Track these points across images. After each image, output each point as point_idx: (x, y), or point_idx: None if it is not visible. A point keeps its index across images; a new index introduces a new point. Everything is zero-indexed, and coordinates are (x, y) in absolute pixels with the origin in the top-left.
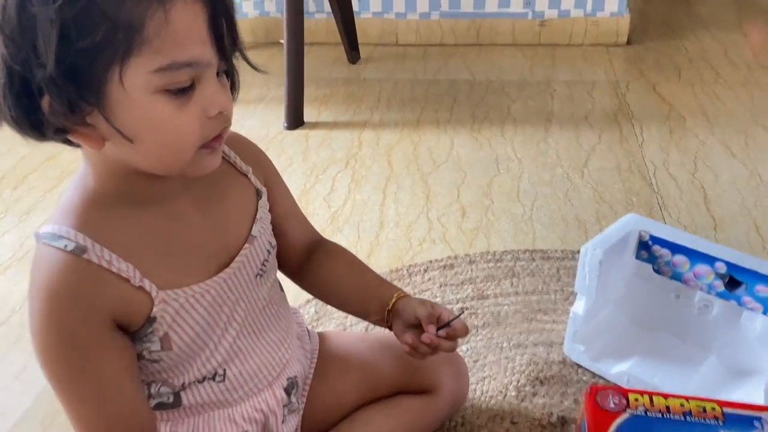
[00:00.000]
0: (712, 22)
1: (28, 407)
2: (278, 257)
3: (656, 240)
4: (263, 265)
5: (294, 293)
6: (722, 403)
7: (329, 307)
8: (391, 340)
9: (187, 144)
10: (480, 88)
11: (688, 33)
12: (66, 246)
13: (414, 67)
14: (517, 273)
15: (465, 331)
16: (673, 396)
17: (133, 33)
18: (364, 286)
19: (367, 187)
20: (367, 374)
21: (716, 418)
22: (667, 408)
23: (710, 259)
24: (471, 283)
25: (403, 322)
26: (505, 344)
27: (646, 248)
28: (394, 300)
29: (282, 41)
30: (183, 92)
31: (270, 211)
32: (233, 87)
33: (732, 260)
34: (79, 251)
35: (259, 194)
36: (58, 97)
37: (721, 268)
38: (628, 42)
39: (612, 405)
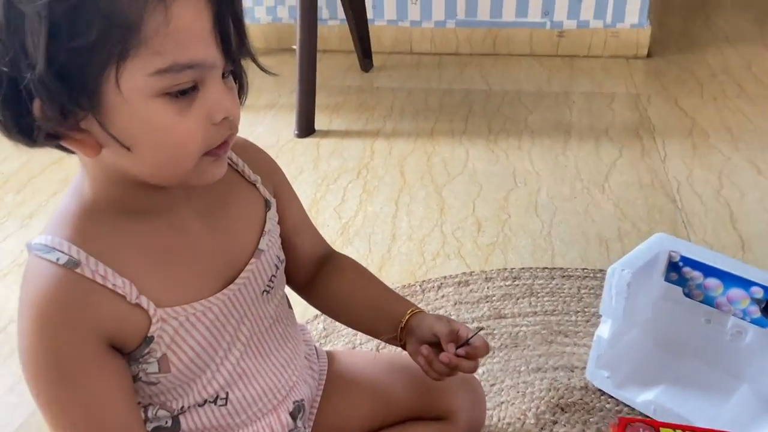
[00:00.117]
0: (734, 35)
1: (22, 422)
2: (286, 272)
3: (687, 261)
4: (270, 281)
5: (301, 308)
6: None
7: (338, 323)
8: (405, 362)
9: (188, 152)
10: (496, 98)
11: (709, 46)
12: (58, 259)
13: (428, 76)
14: (536, 292)
15: (486, 350)
16: (707, 431)
17: (130, 32)
18: (376, 302)
19: (379, 198)
20: (379, 398)
21: None
22: None
23: (746, 283)
24: (487, 302)
25: (418, 339)
26: (523, 368)
27: (676, 270)
28: (407, 316)
29: (294, 47)
30: (185, 95)
31: (279, 223)
32: (241, 90)
33: None
34: (71, 265)
35: (267, 205)
36: (48, 101)
37: (758, 292)
38: (649, 55)
39: None
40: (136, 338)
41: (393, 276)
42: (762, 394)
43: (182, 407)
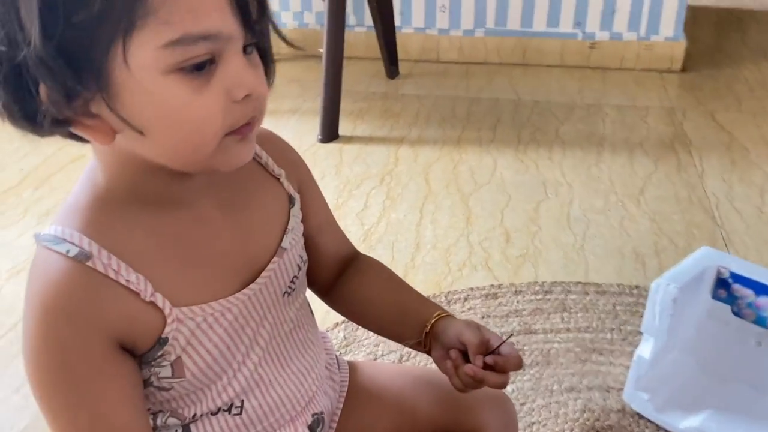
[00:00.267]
0: None
1: (26, 424)
2: (308, 274)
3: (738, 278)
4: (292, 281)
5: (320, 315)
6: None
7: (359, 333)
8: (432, 376)
9: (207, 134)
10: (525, 108)
11: (746, 61)
12: (68, 251)
13: (455, 84)
14: (569, 307)
15: (518, 362)
16: None
17: (136, 0)
18: (400, 305)
19: (403, 206)
20: (403, 413)
21: None
22: None
23: None
24: (517, 316)
25: (444, 345)
26: (555, 387)
27: (724, 286)
28: (433, 320)
29: (321, 50)
30: (201, 71)
31: (303, 221)
32: (267, 67)
33: None
34: (82, 257)
35: (291, 201)
36: (50, 82)
37: None
38: (683, 69)
39: None
40: (148, 339)
41: (417, 286)
42: None
43: (194, 415)
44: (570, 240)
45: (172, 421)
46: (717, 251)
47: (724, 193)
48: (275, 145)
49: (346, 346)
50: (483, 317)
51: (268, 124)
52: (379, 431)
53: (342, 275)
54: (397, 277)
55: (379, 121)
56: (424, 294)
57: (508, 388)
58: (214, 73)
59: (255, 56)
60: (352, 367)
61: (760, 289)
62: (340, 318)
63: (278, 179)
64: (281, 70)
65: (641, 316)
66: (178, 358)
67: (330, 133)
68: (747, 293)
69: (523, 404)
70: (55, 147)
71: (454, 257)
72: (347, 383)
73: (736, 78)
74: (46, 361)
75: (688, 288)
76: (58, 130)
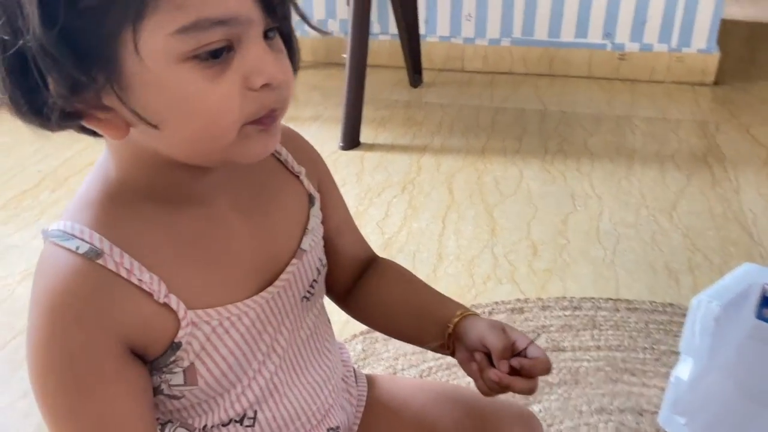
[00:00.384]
0: None
1: (32, 431)
2: (326, 278)
3: None
4: (311, 286)
5: (338, 327)
6: None
7: (378, 345)
8: (455, 392)
9: (224, 125)
10: (552, 119)
11: None
12: (78, 248)
13: (480, 93)
14: (599, 324)
15: (546, 366)
16: None
17: None
18: (420, 306)
19: (425, 215)
20: (425, 431)
21: None
22: None
23: None
24: (544, 332)
25: (467, 347)
26: (584, 408)
27: None
28: (456, 320)
29: (344, 55)
30: (217, 58)
31: (322, 222)
32: (291, 55)
33: None
34: (93, 255)
35: (311, 200)
36: (55, 72)
37: None
38: (715, 82)
39: None
40: (161, 344)
41: None
42: None
43: (204, 426)
44: (600, 254)
45: (180, 431)
46: (761, 268)
47: (761, 208)
48: (295, 141)
49: (364, 359)
50: None
51: None
52: None
53: (359, 278)
54: (417, 278)
55: (401, 129)
56: None
57: (535, 408)
58: (231, 61)
59: (277, 42)
60: (371, 380)
61: None
62: (357, 329)
63: (298, 177)
64: (303, 77)
65: (675, 335)
66: (192, 364)
67: (351, 140)
68: None
69: (550, 425)
70: (75, 149)
71: (478, 269)
72: (365, 397)
73: None
74: (50, 363)
75: (730, 306)
76: (69, 124)
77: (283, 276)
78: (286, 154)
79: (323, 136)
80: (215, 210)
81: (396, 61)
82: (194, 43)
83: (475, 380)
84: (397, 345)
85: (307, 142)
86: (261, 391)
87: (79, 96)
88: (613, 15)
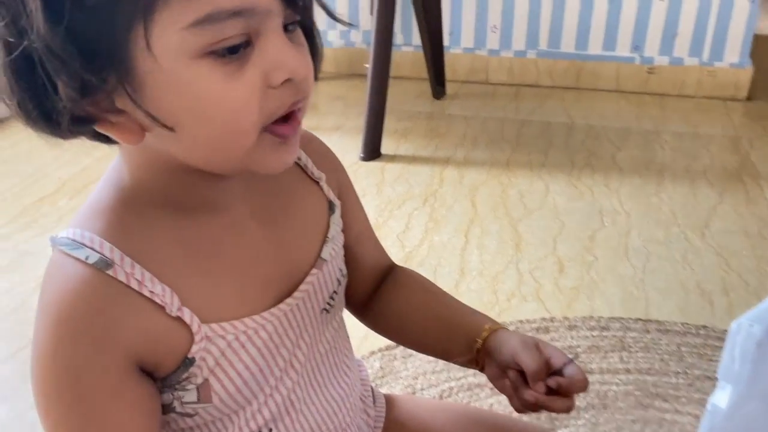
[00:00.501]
0: None
1: None
2: (345, 288)
3: None
4: (331, 297)
5: (355, 342)
6: None
7: (396, 363)
8: (477, 414)
9: (244, 125)
10: (579, 133)
11: None
12: (87, 257)
13: (504, 106)
14: (628, 346)
15: (583, 384)
16: None
17: None
18: (446, 318)
19: (447, 228)
20: None
21: None
22: None
23: None
24: (571, 353)
25: (499, 364)
26: None
27: None
28: (486, 334)
29: (366, 65)
30: (234, 54)
31: (343, 230)
32: (313, 49)
33: None
34: (102, 265)
35: (331, 207)
36: (63, 73)
37: None
38: (748, 97)
39: None
40: (173, 360)
41: None
42: None
43: None
44: (629, 272)
45: None
46: None
47: None
48: (315, 146)
49: (382, 377)
50: None
51: None
52: None
53: (378, 288)
54: (439, 288)
55: (423, 141)
56: None
57: None
58: (250, 56)
59: (298, 34)
60: (389, 401)
61: None
62: (376, 346)
63: (318, 183)
64: (326, 87)
65: (710, 360)
66: (206, 381)
67: (372, 151)
68: None
69: None
70: (94, 157)
71: (502, 286)
72: (383, 419)
73: None
74: (54, 378)
75: None
76: (80, 129)
77: (302, 287)
78: (305, 159)
79: (344, 147)
80: (231, 218)
81: (419, 73)
82: (210, 37)
83: (509, 398)
84: (416, 363)
85: (326, 147)
86: (277, 409)
87: (89, 99)
88: (643, 27)
